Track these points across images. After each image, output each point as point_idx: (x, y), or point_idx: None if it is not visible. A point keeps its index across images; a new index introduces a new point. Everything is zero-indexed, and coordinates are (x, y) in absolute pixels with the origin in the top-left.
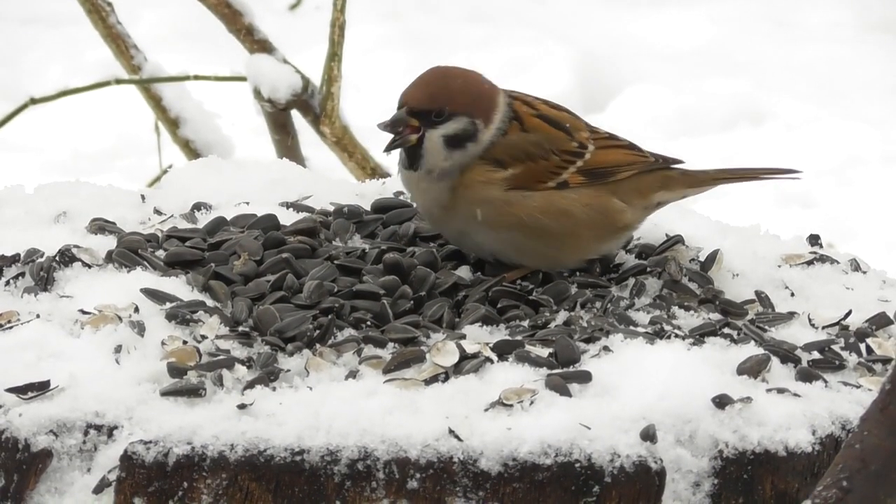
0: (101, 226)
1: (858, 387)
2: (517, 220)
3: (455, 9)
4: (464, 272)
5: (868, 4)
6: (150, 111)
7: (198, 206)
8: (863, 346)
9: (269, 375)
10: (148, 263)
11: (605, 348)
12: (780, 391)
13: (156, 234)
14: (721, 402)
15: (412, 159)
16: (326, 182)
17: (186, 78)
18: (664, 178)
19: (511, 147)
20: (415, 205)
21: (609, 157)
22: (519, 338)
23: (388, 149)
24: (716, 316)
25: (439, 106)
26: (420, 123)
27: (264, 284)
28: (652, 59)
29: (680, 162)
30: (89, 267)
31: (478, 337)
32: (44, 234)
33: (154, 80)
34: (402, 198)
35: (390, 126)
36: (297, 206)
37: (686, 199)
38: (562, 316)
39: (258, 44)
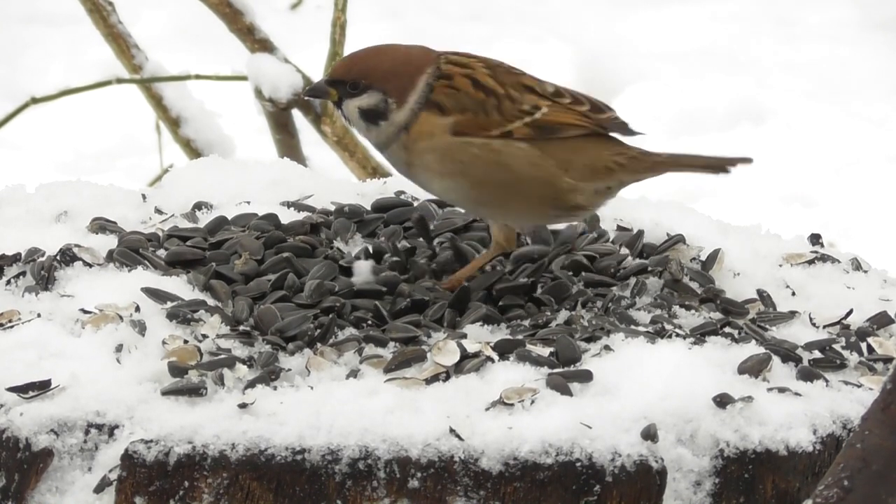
0: (102, 225)
1: (860, 386)
2: (460, 168)
3: (456, 7)
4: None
5: (870, 3)
6: (151, 111)
7: (199, 206)
8: (864, 346)
9: (270, 375)
10: (149, 263)
11: (606, 347)
12: (781, 390)
13: (157, 233)
14: (722, 401)
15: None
16: (327, 181)
17: (187, 77)
18: (617, 156)
19: (454, 95)
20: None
21: (558, 118)
22: (520, 337)
23: (305, 95)
24: (717, 315)
25: (354, 78)
26: (338, 93)
27: (265, 284)
28: (653, 58)
29: (637, 134)
30: (90, 266)
31: (479, 336)
32: (45, 233)
33: (155, 79)
34: (402, 197)
35: (310, 92)
36: (298, 206)
37: (643, 182)
38: (563, 315)
39: (259, 43)
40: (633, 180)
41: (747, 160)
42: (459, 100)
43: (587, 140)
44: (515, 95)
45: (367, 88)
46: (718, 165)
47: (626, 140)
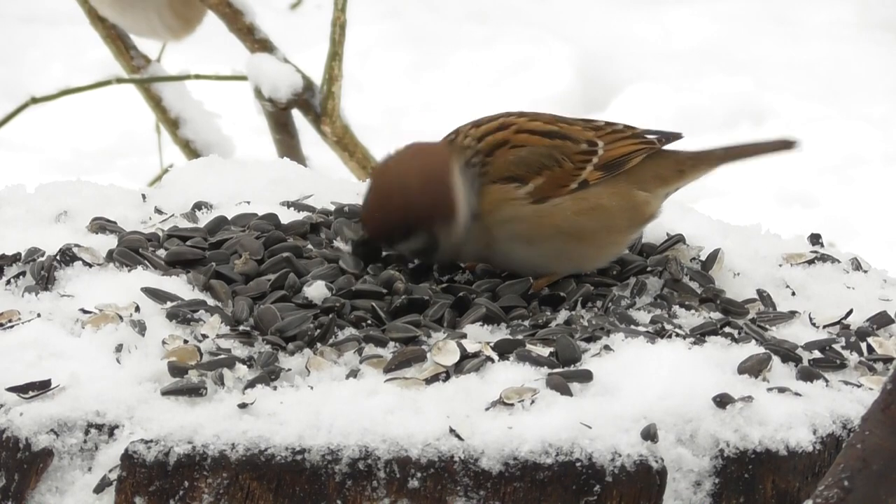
0: (101, 225)
1: (859, 386)
2: (555, 229)
3: (456, 8)
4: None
5: (869, 3)
6: (150, 110)
7: (199, 206)
8: (864, 346)
9: (269, 374)
10: (149, 263)
11: (606, 347)
12: (781, 390)
13: (157, 233)
14: (722, 401)
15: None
16: (327, 181)
17: (187, 77)
18: (679, 164)
19: (523, 162)
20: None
21: (620, 150)
22: (520, 337)
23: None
24: (717, 315)
25: (393, 230)
26: (388, 247)
27: (265, 283)
28: (653, 58)
29: (679, 136)
30: (90, 266)
31: (479, 336)
32: (45, 233)
33: (154, 79)
34: None
35: (358, 258)
36: (297, 206)
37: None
38: (563, 315)
39: (259, 43)
40: (694, 179)
41: (794, 141)
42: (528, 161)
43: (646, 159)
44: (568, 131)
45: (409, 234)
46: (773, 148)
47: (673, 146)
